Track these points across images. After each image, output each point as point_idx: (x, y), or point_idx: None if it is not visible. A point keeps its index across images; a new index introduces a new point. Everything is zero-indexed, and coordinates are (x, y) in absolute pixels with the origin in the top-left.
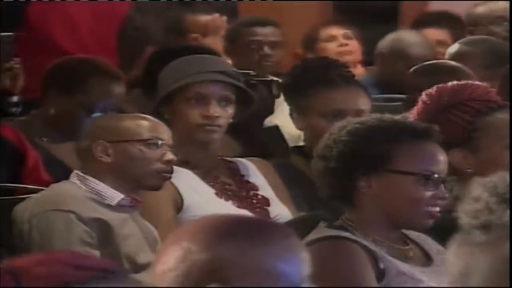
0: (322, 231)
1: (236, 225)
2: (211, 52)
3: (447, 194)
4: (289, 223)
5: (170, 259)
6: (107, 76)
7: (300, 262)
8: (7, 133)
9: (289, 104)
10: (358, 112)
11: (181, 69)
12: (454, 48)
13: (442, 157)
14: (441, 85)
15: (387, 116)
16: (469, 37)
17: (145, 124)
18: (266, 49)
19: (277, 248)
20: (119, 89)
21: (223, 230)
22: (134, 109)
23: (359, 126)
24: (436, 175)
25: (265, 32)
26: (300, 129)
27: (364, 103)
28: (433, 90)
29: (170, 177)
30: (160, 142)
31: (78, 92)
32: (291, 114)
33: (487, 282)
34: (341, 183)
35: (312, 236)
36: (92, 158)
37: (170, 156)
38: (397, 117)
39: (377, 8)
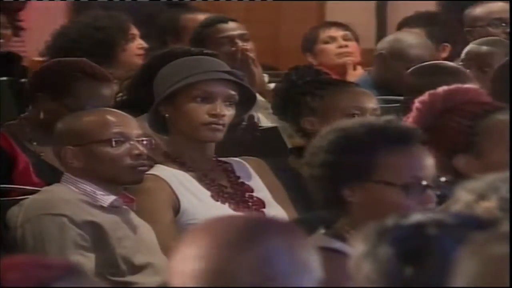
0: (317, 239)
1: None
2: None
3: (434, 197)
4: None
5: (184, 260)
6: (95, 78)
7: (304, 264)
8: None
9: (293, 108)
10: (374, 111)
11: (186, 68)
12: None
13: (426, 161)
14: (432, 91)
15: (368, 120)
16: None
17: (105, 122)
18: (240, 42)
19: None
20: (107, 91)
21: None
22: None
23: (339, 134)
24: (421, 182)
25: (231, 27)
26: (311, 131)
27: (375, 102)
28: (425, 96)
29: (146, 169)
30: (123, 138)
31: (66, 95)
32: (295, 118)
33: (475, 283)
34: (325, 191)
35: None
36: (66, 163)
37: (138, 149)
38: (379, 121)
39: None
